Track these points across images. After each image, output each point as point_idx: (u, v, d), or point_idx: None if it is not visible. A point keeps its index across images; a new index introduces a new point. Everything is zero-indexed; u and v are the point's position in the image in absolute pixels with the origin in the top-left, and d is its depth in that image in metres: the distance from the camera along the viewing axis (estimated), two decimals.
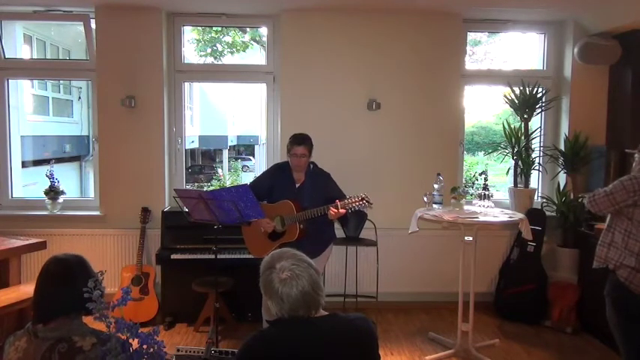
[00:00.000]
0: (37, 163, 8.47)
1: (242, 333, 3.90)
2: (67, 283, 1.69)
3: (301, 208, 3.24)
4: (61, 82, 10.14)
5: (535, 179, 4.73)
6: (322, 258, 3.46)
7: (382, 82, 4.47)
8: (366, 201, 3.08)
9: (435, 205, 3.75)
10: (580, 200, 4.19)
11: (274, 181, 3.47)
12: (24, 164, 5.67)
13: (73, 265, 1.74)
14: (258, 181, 3.61)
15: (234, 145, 17.13)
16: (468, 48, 5.79)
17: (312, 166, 3.46)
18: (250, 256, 3.68)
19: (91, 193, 4.73)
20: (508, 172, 4.61)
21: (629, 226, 2.61)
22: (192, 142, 13.47)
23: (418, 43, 4.47)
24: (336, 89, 4.46)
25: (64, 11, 4.45)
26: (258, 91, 10.75)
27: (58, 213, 4.48)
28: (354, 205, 3.09)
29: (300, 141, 3.36)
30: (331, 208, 3.09)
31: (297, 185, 3.43)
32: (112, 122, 4.41)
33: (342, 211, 3.08)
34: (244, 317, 4.09)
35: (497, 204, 4.05)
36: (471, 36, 6.50)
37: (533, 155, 4.52)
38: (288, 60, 4.43)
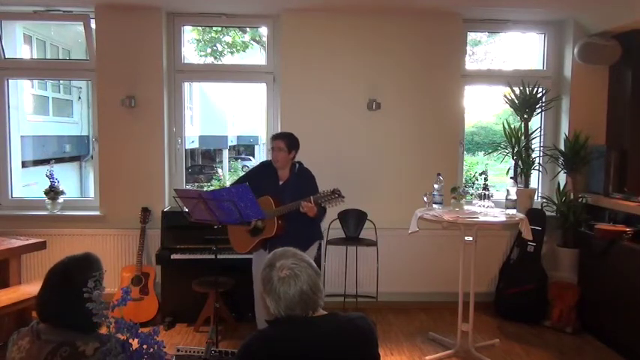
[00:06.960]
0: (37, 163, 8.46)
1: (242, 333, 3.91)
2: (68, 292, 1.63)
3: (281, 204, 3.25)
4: (61, 82, 10.12)
5: (535, 179, 4.73)
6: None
7: (382, 82, 4.47)
8: (338, 194, 3.09)
9: (435, 205, 3.75)
10: (580, 200, 4.20)
11: (260, 178, 3.48)
12: (24, 164, 5.67)
13: (73, 275, 1.67)
14: (245, 178, 3.59)
15: (234, 145, 17.10)
16: (468, 48, 5.79)
17: (297, 165, 3.48)
18: (251, 256, 3.68)
19: (91, 193, 4.73)
20: (508, 172, 4.61)
21: None
22: (192, 142, 13.45)
23: (418, 43, 4.47)
24: (336, 89, 4.46)
25: (64, 11, 4.45)
26: (258, 91, 10.74)
27: (58, 213, 4.48)
28: (325, 198, 3.10)
29: (277, 135, 3.46)
30: (303, 202, 3.11)
31: (281, 183, 3.45)
32: (112, 122, 4.41)
33: (314, 207, 3.08)
34: (244, 317, 4.09)
35: (498, 204, 4.05)
36: (471, 36, 6.50)
37: (533, 155, 4.51)
38: (288, 60, 4.43)
